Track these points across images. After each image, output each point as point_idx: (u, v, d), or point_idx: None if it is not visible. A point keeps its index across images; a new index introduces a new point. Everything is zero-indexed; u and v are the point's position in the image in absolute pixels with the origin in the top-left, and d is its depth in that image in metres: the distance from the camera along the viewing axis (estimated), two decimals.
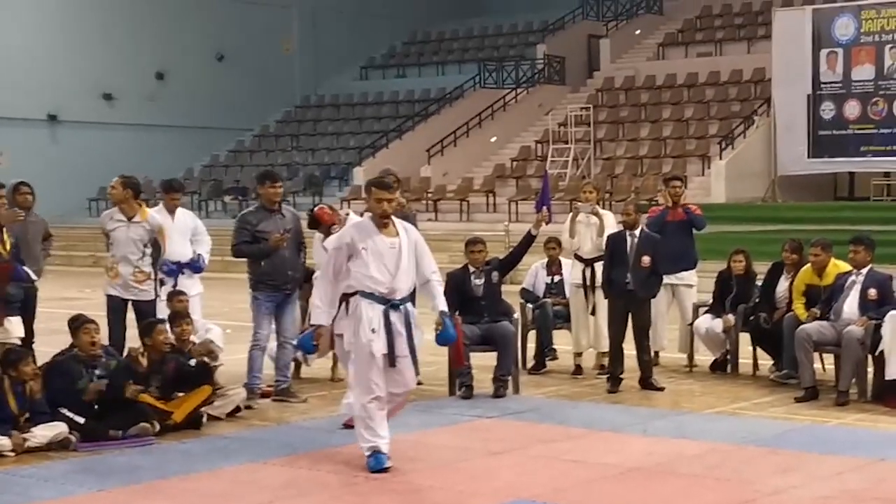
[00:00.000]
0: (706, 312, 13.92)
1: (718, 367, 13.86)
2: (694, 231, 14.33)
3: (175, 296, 12.49)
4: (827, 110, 29.79)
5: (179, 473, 9.28)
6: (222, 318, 15.45)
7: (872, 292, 12.00)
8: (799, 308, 12.51)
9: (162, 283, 12.81)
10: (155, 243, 12.35)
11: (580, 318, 13.79)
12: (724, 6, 40.63)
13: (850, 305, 12.08)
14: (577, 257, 13.77)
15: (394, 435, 9.27)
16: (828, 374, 12.69)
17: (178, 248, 13.24)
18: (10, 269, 11.55)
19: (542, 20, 43.75)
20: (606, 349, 13.28)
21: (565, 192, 29.85)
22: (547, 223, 13.10)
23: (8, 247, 11.49)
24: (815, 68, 29.81)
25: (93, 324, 10.78)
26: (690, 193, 22.95)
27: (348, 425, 10.58)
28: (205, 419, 10.93)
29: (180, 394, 10.94)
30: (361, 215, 13.28)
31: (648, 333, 13.02)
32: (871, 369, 11.99)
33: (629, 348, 12.83)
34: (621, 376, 12.80)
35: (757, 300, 13.46)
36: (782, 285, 13.18)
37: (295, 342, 12.29)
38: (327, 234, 10.98)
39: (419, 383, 11.80)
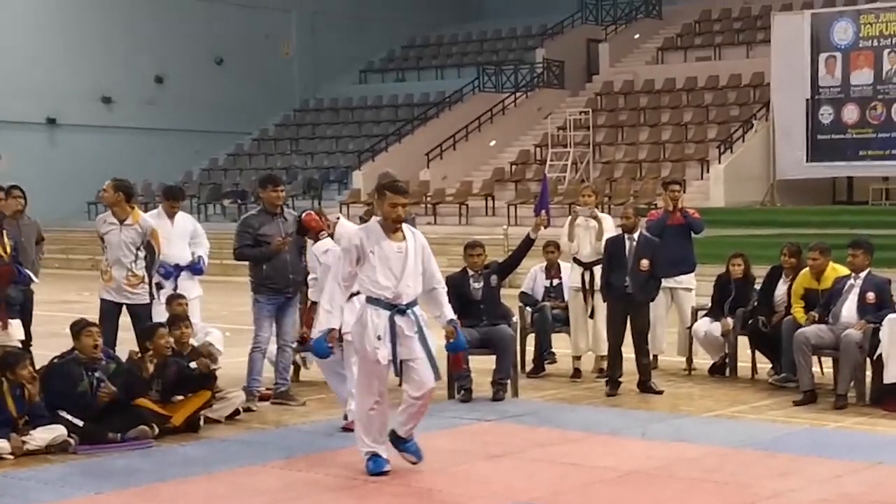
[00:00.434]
0: (705, 316, 13.92)
1: (717, 371, 13.87)
2: (693, 235, 14.34)
3: (174, 299, 12.50)
4: (826, 114, 29.83)
5: (178, 476, 9.28)
6: (221, 321, 15.46)
7: (871, 296, 12.01)
8: (797, 312, 12.51)
9: (159, 286, 12.81)
10: (149, 246, 12.32)
11: (579, 322, 13.80)
12: (723, 10, 40.66)
13: (848, 309, 12.09)
14: (576, 261, 13.77)
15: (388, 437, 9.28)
16: (826, 377, 12.69)
17: (177, 252, 13.26)
18: (11, 271, 11.56)
19: (541, 24, 43.80)
20: (605, 353, 13.29)
21: (564, 196, 29.89)
22: (546, 227, 13.11)
23: (8, 249, 11.50)
24: (814, 73, 29.86)
25: (95, 327, 10.80)
26: (689, 197, 23.02)
27: (347, 428, 10.60)
28: (202, 422, 10.93)
29: (180, 397, 10.94)
30: (361, 219, 13.37)
31: (647, 337, 13.03)
32: (869, 373, 11.99)
33: (628, 352, 12.84)
34: (620, 380, 12.80)
35: (755, 304, 13.46)
36: (781, 289, 13.19)
37: (294, 345, 12.31)
38: (316, 240, 10.91)
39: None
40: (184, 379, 11.00)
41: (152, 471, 9.43)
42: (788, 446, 10.11)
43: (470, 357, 12.27)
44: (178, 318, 11.76)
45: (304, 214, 11.28)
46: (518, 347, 13.37)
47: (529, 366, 14.03)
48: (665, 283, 13.62)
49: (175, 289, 12.99)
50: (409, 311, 8.99)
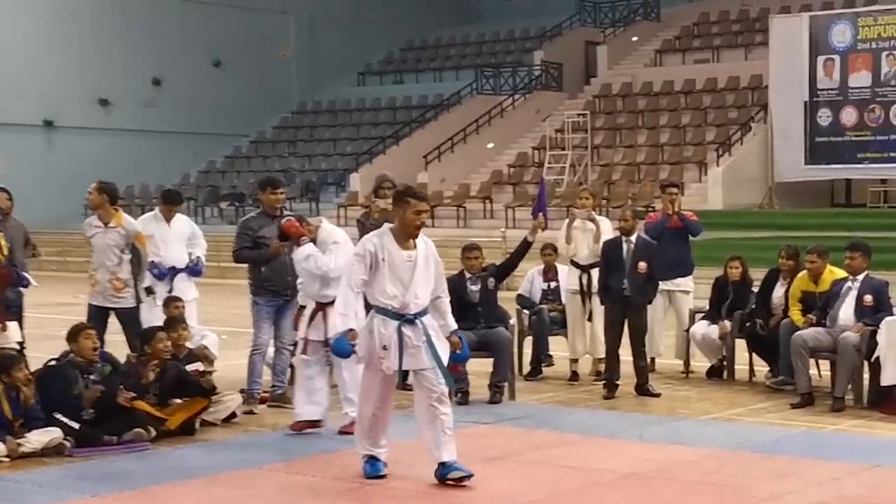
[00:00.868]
0: (702, 319, 13.91)
1: (715, 374, 13.85)
2: (690, 237, 14.34)
3: (171, 301, 12.48)
4: (824, 117, 29.83)
5: (174, 479, 9.27)
6: (218, 323, 15.44)
7: (868, 298, 12.01)
8: (795, 314, 12.50)
9: (149, 291, 12.74)
10: (134, 249, 12.27)
11: (576, 325, 13.79)
12: (722, 13, 40.67)
13: (846, 312, 12.08)
14: (574, 263, 13.76)
15: (390, 441, 9.25)
16: (824, 380, 12.69)
17: (174, 254, 13.26)
18: (10, 273, 11.56)
19: (539, 27, 43.81)
20: (603, 355, 13.29)
21: (562, 199, 29.87)
22: (543, 229, 13.10)
23: (5, 251, 11.48)
24: (812, 75, 29.86)
25: (93, 329, 10.78)
26: (687, 200, 23.03)
27: (344, 431, 10.59)
28: (198, 425, 10.91)
29: (177, 400, 10.92)
30: (358, 221, 13.35)
31: (645, 339, 13.03)
32: (867, 375, 11.99)
33: (625, 354, 12.83)
34: (617, 382, 12.80)
35: (753, 306, 13.45)
36: (778, 292, 13.18)
37: (292, 348, 12.28)
38: (297, 246, 10.84)
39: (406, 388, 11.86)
40: (182, 383, 10.97)
41: (148, 474, 9.41)
42: (786, 449, 10.11)
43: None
44: (175, 321, 11.75)
45: (283, 221, 11.16)
46: (515, 350, 13.36)
47: (527, 368, 14.02)
48: (663, 285, 13.62)
49: (170, 291, 12.97)
50: (417, 321, 8.87)
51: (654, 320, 13.68)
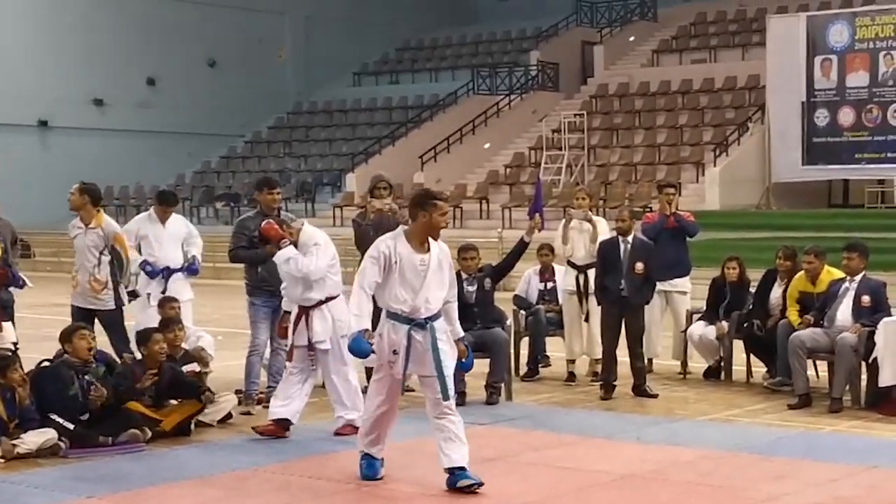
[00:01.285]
0: (700, 319, 13.89)
1: (712, 374, 13.84)
2: (687, 238, 14.32)
3: (167, 302, 12.44)
4: (821, 117, 29.83)
5: (170, 480, 9.24)
6: (213, 324, 15.42)
7: (866, 299, 11.99)
8: (793, 315, 12.49)
9: (134, 294, 12.65)
10: (114, 251, 12.21)
11: (573, 325, 13.76)
12: (719, 13, 40.69)
13: (843, 312, 12.07)
14: (571, 264, 13.74)
15: (387, 442, 9.23)
16: (821, 381, 12.69)
17: (169, 255, 13.23)
18: (6, 273, 11.52)
19: (535, 27, 43.82)
20: (600, 356, 13.26)
21: (559, 199, 29.85)
22: (540, 230, 13.07)
23: (0, 252, 11.45)
24: (810, 75, 29.86)
25: (88, 330, 10.74)
26: (685, 200, 23.02)
27: (339, 433, 10.56)
28: (193, 426, 10.88)
29: (173, 401, 10.89)
30: (354, 221, 13.32)
31: (642, 340, 13.01)
32: (864, 376, 11.97)
33: (622, 355, 12.81)
34: (614, 383, 12.78)
35: (750, 307, 13.43)
36: (776, 292, 13.17)
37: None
38: (277, 249, 10.74)
39: (409, 390, 11.83)
40: (177, 385, 10.94)
41: (144, 475, 9.39)
42: (783, 450, 10.09)
43: None
44: (171, 321, 11.72)
45: (263, 224, 11.07)
46: (512, 351, 13.34)
47: (523, 369, 14.00)
48: (660, 286, 13.60)
49: (164, 291, 12.94)
50: (428, 326, 8.75)
51: (651, 321, 13.66)
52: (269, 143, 43.12)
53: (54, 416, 10.15)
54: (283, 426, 10.59)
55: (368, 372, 12.87)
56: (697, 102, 35.90)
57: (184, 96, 41.45)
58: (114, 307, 12.17)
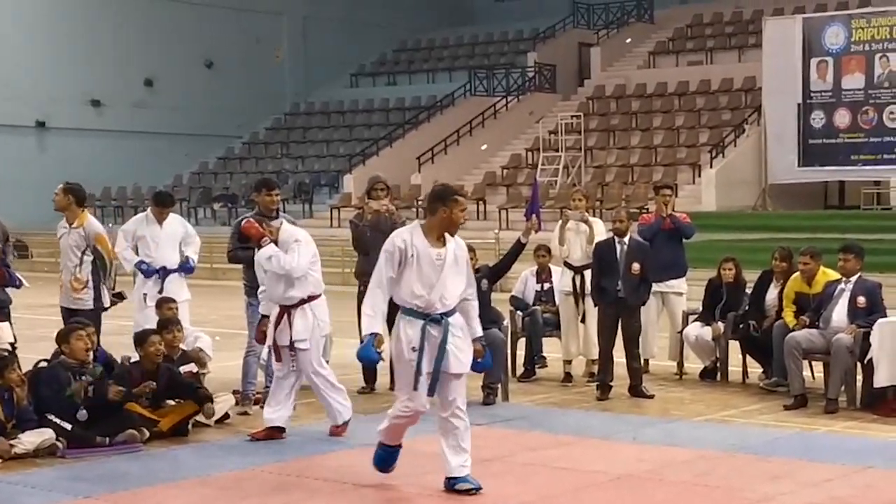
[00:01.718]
0: (696, 320, 13.91)
1: (708, 375, 13.85)
2: (683, 239, 14.33)
3: (164, 303, 12.45)
4: (817, 119, 29.87)
5: (167, 480, 9.24)
6: (210, 325, 15.41)
7: (861, 300, 12.00)
8: (788, 316, 12.51)
9: (120, 296, 12.62)
10: (96, 251, 12.19)
11: (570, 326, 13.78)
12: (715, 15, 40.72)
13: (839, 313, 12.08)
14: (567, 265, 13.75)
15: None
16: (817, 381, 12.69)
17: (165, 255, 13.25)
18: (2, 274, 11.52)
19: (532, 28, 43.84)
20: (596, 357, 13.27)
21: (555, 200, 29.86)
22: (537, 231, 13.08)
23: None
24: (806, 77, 29.91)
25: (84, 330, 10.73)
26: (681, 202, 23.04)
27: (334, 434, 10.57)
28: (190, 426, 10.88)
29: (170, 402, 10.89)
30: (351, 222, 13.33)
31: (638, 341, 13.02)
32: (860, 377, 11.98)
33: (619, 356, 12.82)
34: (611, 384, 12.79)
35: (746, 308, 13.45)
36: (772, 293, 13.18)
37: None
38: (258, 247, 10.69)
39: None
40: (175, 385, 10.95)
41: (141, 475, 9.39)
42: (779, 450, 10.10)
43: None
44: (170, 322, 11.72)
45: (243, 222, 11.01)
46: (509, 351, 13.34)
47: (520, 370, 14.00)
48: (656, 287, 13.61)
49: (160, 291, 12.95)
50: (442, 321, 8.62)
51: (647, 322, 13.67)
52: (266, 143, 43.11)
53: (52, 417, 10.16)
54: (278, 430, 10.60)
55: (365, 373, 12.96)
56: (694, 104, 35.93)
57: (181, 97, 41.45)
58: (92, 307, 12.14)
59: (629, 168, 33.50)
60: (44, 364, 10.59)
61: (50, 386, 10.31)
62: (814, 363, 12.69)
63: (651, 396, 12.75)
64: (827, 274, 12.55)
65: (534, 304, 14.21)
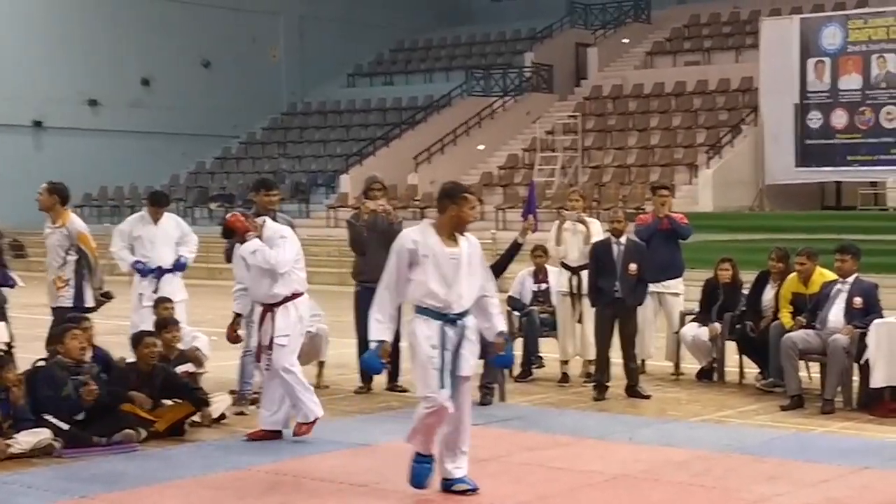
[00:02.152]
0: (693, 321, 13.93)
1: (705, 376, 13.86)
2: (680, 240, 14.34)
3: (161, 303, 12.46)
4: (814, 119, 29.89)
5: (164, 480, 9.24)
6: (207, 325, 15.39)
7: (858, 301, 12.02)
8: (785, 316, 12.51)
9: (108, 295, 12.58)
10: (79, 251, 12.17)
11: (567, 326, 13.78)
12: (712, 15, 40.73)
13: (835, 314, 12.09)
14: (564, 265, 13.76)
15: (380, 443, 9.24)
16: (813, 382, 12.69)
17: (161, 255, 13.27)
18: None
19: (529, 28, 43.84)
20: (593, 357, 13.28)
21: (552, 201, 29.86)
22: (533, 231, 13.09)
23: None
24: (803, 77, 29.93)
25: (79, 329, 10.73)
26: (678, 202, 23.03)
27: (299, 433, 10.43)
28: (187, 425, 10.88)
29: (167, 402, 10.89)
30: (348, 222, 13.33)
31: (635, 341, 13.02)
32: (856, 378, 12.00)
33: (616, 356, 12.83)
34: (608, 384, 12.80)
35: (743, 309, 13.46)
36: (768, 294, 13.19)
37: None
38: (242, 242, 10.65)
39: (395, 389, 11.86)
40: (171, 386, 10.94)
41: (137, 475, 9.38)
42: (775, 451, 10.10)
43: None
44: (167, 322, 11.72)
45: (228, 216, 10.94)
46: None
47: (517, 370, 14.00)
48: (653, 287, 13.62)
49: (155, 291, 12.95)
50: (458, 323, 8.56)
51: (644, 322, 13.67)
52: (263, 143, 43.09)
53: (48, 417, 10.15)
54: (273, 434, 10.59)
55: (363, 373, 12.94)
56: (691, 104, 35.94)
57: (178, 97, 41.42)
58: (70, 304, 12.11)
59: (626, 168, 33.51)
60: (41, 364, 10.58)
61: (46, 385, 10.30)
62: (810, 364, 12.69)
63: (648, 397, 12.75)
64: (823, 274, 12.56)
65: (531, 305, 14.22)
